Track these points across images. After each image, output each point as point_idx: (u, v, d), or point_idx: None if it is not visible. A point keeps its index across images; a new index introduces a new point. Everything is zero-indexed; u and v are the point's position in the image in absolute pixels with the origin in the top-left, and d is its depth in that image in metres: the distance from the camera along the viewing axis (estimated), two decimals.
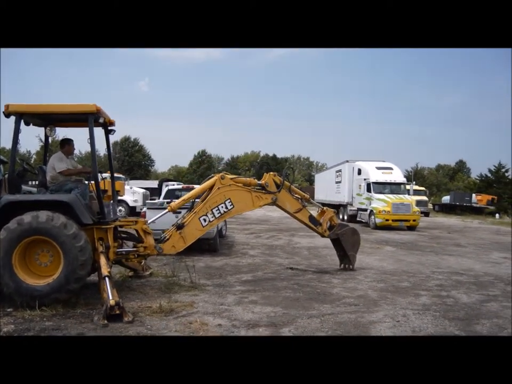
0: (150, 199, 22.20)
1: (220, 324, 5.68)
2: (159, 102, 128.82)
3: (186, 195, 8.22)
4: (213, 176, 8.25)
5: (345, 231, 9.51)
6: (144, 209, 11.64)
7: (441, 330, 5.66)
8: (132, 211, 22.73)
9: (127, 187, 23.78)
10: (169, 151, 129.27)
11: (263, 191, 8.58)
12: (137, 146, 68.92)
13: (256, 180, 8.79)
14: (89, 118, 6.61)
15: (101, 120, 6.77)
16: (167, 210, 8.07)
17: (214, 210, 7.89)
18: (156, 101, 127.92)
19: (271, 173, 8.92)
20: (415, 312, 6.46)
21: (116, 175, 28.89)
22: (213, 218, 7.90)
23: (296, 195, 9.27)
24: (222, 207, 7.95)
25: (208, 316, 6.05)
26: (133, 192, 24.13)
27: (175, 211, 8.17)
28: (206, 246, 11.98)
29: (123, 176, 28.83)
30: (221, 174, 8.19)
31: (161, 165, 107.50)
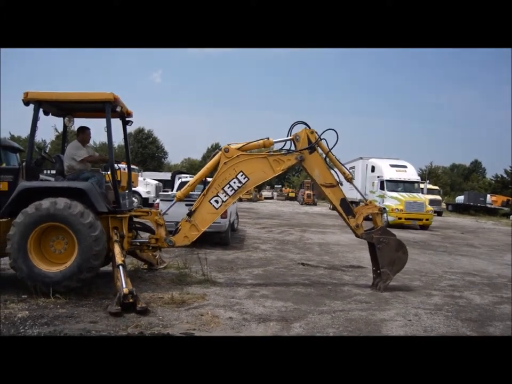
0: (163, 191, 22.35)
1: (231, 317, 5.69)
2: (172, 94, 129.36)
3: (191, 180, 7.62)
4: (217, 152, 7.43)
5: (386, 240, 7.40)
6: (157, 200, 11.71)
7: (453, 331, 5.60)
8: (145, 202, 22.90)
9: (140, 178, 23.99)
10: (182, 144, 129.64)
11: (283, 151, 7.50)
12: (150, 138, 69.13)
13: (272, 139, 7.46)
14: (106, 106, 6.65)
15: (118, 109, 6.78)
16: (175, 200, 7.70)
17: (226, 188, 7.18)
18: (169, 93, 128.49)
19: (308, 128, 7.43)
20: (427, 311, 6.40)
21: None
22: (227, 197, 7.20)
23: (335, 169, 7.85)
24: (235, 182, 7.19)
25: (219, 308, 6.07)
26: (146, 184, 24.33)
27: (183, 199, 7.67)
28: (218, 239, 12.02)
29: (137, 168, 29.01)
30: (224, 146, 7.31)
31: (174, 157, 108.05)
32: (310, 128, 7.44)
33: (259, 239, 14.10)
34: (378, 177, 22.76)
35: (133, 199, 23.27)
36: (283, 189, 65.42)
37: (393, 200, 21.11)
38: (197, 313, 5.77)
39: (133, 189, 22.31)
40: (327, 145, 7.53)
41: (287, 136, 7.47)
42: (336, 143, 7.41)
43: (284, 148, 7.57)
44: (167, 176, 32.97)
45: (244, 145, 7.41)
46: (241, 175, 7.21)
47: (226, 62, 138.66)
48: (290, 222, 21.62)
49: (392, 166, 23.15)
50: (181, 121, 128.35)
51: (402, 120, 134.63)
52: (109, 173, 7.03)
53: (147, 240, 7.40)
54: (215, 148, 77.34)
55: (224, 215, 11.08)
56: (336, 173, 7.76)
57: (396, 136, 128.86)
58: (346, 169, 7.96)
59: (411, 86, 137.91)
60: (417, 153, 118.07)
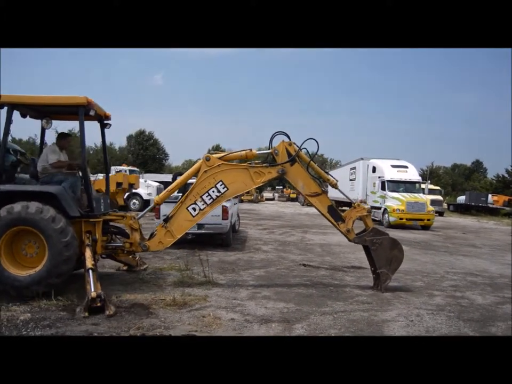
0: None
1: (232, 318, 5.69)
2: (173, 95, 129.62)
3: (170, 186, 7.61)
4: (200, 159, 7.39)
5: (379, 240, 7.42)
6: None
7: (455, 331, 5.59)
8: (146, 204, 22.92)
9: (141, 180, 24.01)
10: (183, 145, 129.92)
11: (265, 164, 7.42)
12: (151, 140, 69.25)
13: (255, 151, 7.49)
14: (79, 110, 6.57)
15: (92, 113, 6.65)
16: (153, 205, 7.72)
17: (204, 197, 7.13)
18: (171, 95, 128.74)
19: (286, 140, 7.36)
20: (429, 312, 6.40)
21: (131, 168, 29.15)
22: (204, 206, 7.15)
23: (317, 176, 7.71)
24: (214, 191, 7.14)
25: (221, 310, 6.08)
26: (147, 186, 24.38)
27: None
28: (219, 240, 12.04)
29: (138, 170, 29.05)
30: (206, 155, 7.26)
31: (175, 159, 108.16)
32: (289, 139, 7.37)
33: (260, 240, 14.10)
34: (379, 177, 22.72)
35: (135, 201, 23.17)
36: (284, 190, 65.32)
37: (395, 201, 21.09)
38: (199, 315, 5.77)
39: (134, 190, 22.58)
40: (309, 154, 7.53)
41: (269, 147, 7.44)
42: (317, 152, 7.43)
43: (266, 160, 7.58)
44: (168, 178, 33.02)
45: (225, 155, 7.45)
46: (221, 185, 7.17)
47: (228, 63, 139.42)
48: (292, 223, 21.61)
49: (393, 166, 23.10)
50: (182, 123, 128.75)
51: (403, 120, 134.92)
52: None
53: (121, 245, 7.34)
54: (216, 150, 77.52)
55: (225, 217, 11.11)
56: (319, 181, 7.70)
57: (397, 137, 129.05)
58: (331, 175, 7.93)
59: (412, 86, 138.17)
60: (418, 153, 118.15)
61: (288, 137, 7.40)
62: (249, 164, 7.49)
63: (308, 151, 7.51)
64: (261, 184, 7.51)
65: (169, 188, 7.56)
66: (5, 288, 6.08)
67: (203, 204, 7.16)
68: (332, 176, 7.93)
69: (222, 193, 7.20)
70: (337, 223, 7.49)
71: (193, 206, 7.16)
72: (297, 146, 7.33)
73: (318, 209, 7.58)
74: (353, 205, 7.75)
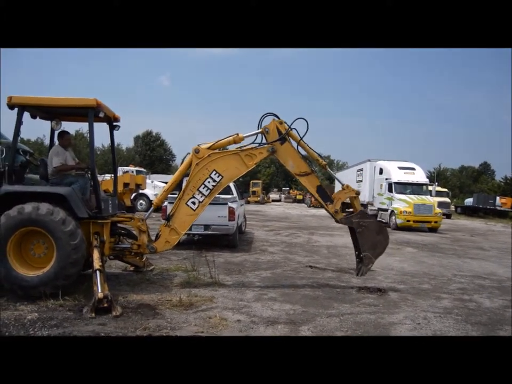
0: (171, 193, 22.41)
1: (239, 320, 5.69)
2: (180, 96, 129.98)
3: (166, 185, 7.63)
4: (189, 153, 7.38)
5: (366, 223, 7.49)
6: (166, 203, 11.71)
7: (463, 334, 5.55)
8: None
9: (148, 181, 24.09)
10: (190, 146, 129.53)
11: (254, 144, 7.46)
12: (158, 141, 69.46)
13: (242, 135, 7.42)
14: (89, 112, 6.61)
15: (101, 115, 6.71)
16: (152, 208, 7.71)
17: (201, 189, 7.17)
18: (178, 95, 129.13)
19: (277, 119, 7.43)
20: (436, 315, 6.36)
21: (138, 168, 29.20)
22: (203, 198, 7.18)
23: (307, 156, 7.72)
24: (209, 182, 7.17)
25: (228, 311, 6.07)
26: (154, 186, 24.51)
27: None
28: (226, 241, 12.05)
29: (145, 170, 29.13)
30: (194, 147, 7.23)
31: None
32: (279, 118, 7.41)
33: (267, 242, 14.09)
34: (386, 179, 22.63)
35: (141, 201, 23.21)
36: (291, 191, 65.33)
37: (402, 203, 20.99)
38: (205, 316, 5.77)
39: (141, 191, 22.66)
40: (298, 134, 7.48)
41: (258, 127, 7.44)
42: (306, 132, 7.38)
43: (255, 142, 7.54)
44: None
45: (214, 144, 7.37)
46: (215, 174, 7.20)
47: (234, 63, 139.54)
48: (298, 225, 21.59)
49: (400, 168, 23.00)
50: (189, 123, 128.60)
51: (410, 122, 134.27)
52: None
53: (129, 246, 7.37)
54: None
55: (232, 218, 11.12)
56: (310, 161, 7.78)
57: (404, 138, 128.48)
58: (320, 156, 7.87)
59: (419, 87, 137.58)
60: (426, 155, 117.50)
61: (278, 117, 7.43)
62: (239, 148, 7.49)
63: (298, 132, 7.47)
64: (253, 166, 7.51)
65: (165, 187, 7.58)
66: (12, 287, 6.11)
67: (201, 196, 7.19)
68: (321, 157, 7.89)
69: (218, 182, 7.22)
70: (326, 204, 7.59)
71: (192, 200, 7.18)
72: (287, 125, 7.37)
73: (307, 189, 7.68)
74: (342, 186, 7.81)
